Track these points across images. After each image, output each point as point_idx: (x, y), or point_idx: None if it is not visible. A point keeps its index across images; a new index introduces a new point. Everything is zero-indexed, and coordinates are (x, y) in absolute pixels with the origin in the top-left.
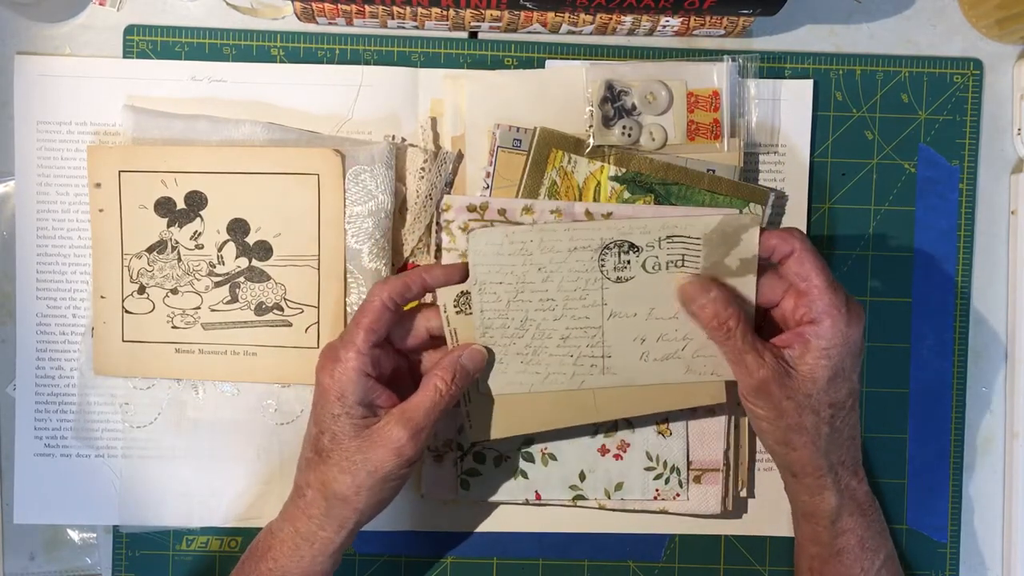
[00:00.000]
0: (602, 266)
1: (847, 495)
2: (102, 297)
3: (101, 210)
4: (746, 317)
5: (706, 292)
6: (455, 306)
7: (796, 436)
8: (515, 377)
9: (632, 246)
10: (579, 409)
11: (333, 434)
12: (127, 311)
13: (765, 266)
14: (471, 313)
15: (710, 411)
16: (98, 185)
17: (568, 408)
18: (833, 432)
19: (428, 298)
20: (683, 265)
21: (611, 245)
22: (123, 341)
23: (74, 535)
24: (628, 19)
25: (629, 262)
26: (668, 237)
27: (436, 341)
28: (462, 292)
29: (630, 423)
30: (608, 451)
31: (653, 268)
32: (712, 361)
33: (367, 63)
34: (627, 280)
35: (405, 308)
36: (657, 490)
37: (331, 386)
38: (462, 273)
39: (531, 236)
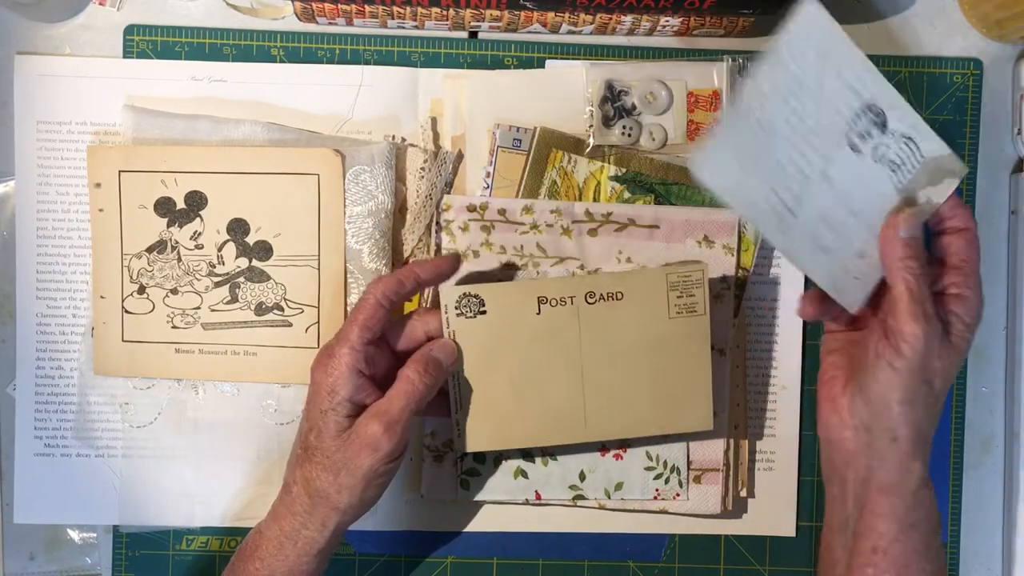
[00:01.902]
0: (854, 123)
1: (927, 468)
2: (102, 297)
3: (101, 210)
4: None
5: (914, 228)
6: (456, 308)
7: (923, 396)
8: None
9: (880, 122)
10: (568, 427)
11: (319, 431)
12: (127, 311)
13: None
14: (472, 316)
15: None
16: (98, 185)
17: (558, 425)
18: (939, 405)
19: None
20: (897, 172)
21: (871, 110)
22: (123, 341)
23: (74, 535)
24: (628, 19)
25: (868, 137)
26: (908, 137)
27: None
28: (464, 294)
29: None
30: (608, 451)
31: (878, 157)
32: (849, 277)
33: (367, 63)
34: (857, 151)
35: (405, 311)
36: (657, 490)
37: (323, 381)
38: (452, 265)
39: (845, 45)
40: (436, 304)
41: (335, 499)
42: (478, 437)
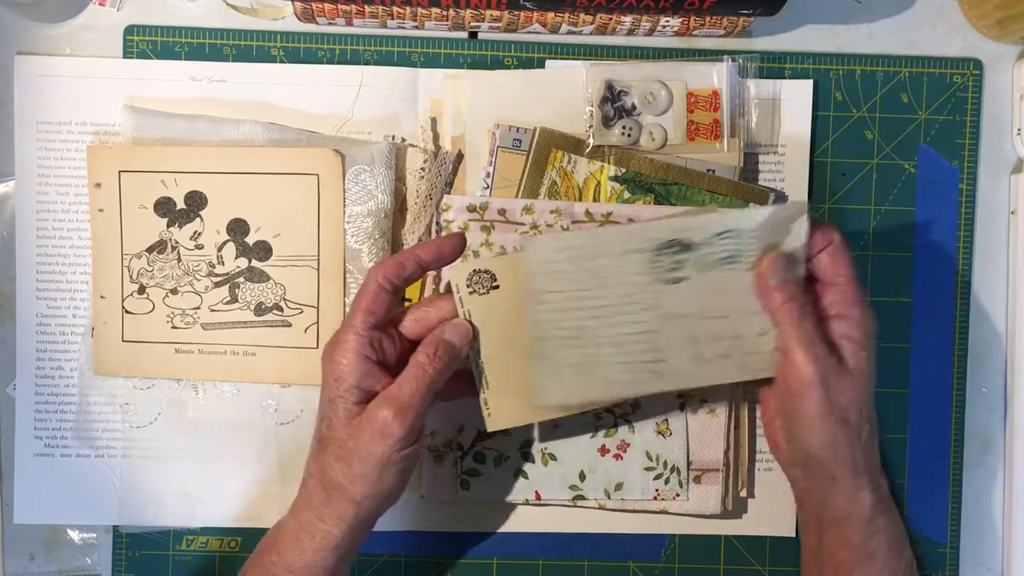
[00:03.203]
0: (655, 268)
1: (879, 493)
2: (102, 297)
3: (101, 210)
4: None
5: (788, 270)
6: (468, 286)
7: (842, 434)
8: (571, 387)
9: (686, 245)
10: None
11: (330, 420)
12: (127, 311)
13: None
14: (484, 293)
15: (710, 411)
16: (98, 185)
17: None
18: (870, 432)
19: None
20: (738, 261)
21: (665, 246)
22: (123, 341)
23: (74, 535)
24: (628, 19)
25: (682, 262)
26: (722, 233)
27: None
28: (475, 271)
29: (630, 423)
30: (608, 451)
31: (706, 266)
32: (763, 359)
33: (367, 63)
34: (680, 281)
35: (418, 297)
36: (657, 490)
37: (330, 369)
38: (455, 244)
39: (585, 241)
40: (448, 289)
41: (350, 490)
42: (507, 414)
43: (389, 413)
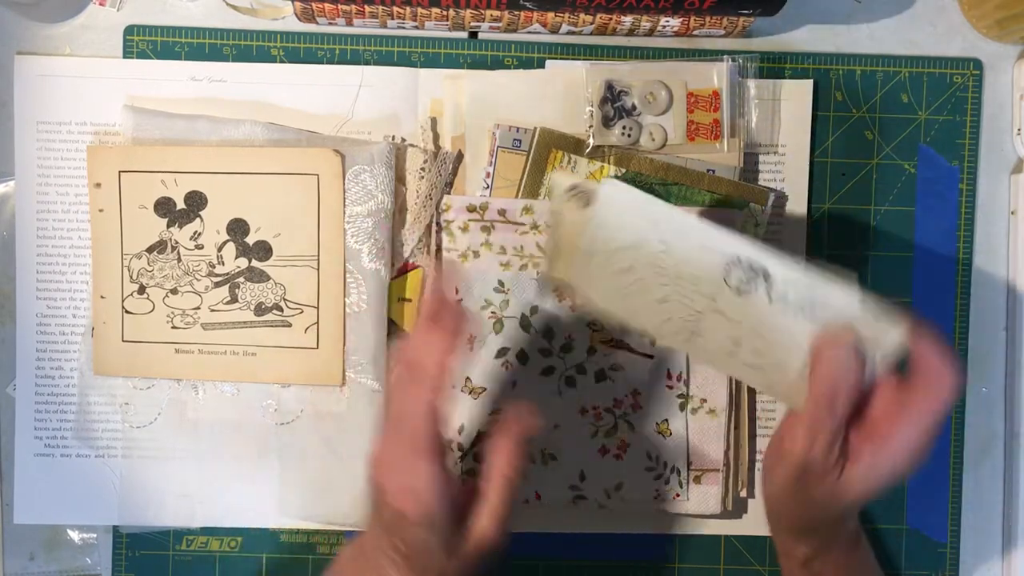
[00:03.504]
0: (726, 274)
1: (824, 545)
2: (102, 297)
3: (101, 210)
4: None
5: (857, 362)
6: (569, 191)
7: (797, 511)
8: (610, 298)
9: (765, 275)
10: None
11: (422, 553)
12: (127, 311)
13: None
14: (582, 206)
15: (710, 411)
16: (98, 185)
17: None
18: (827, 515)
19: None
20: (810, 316)
21: (742, 262)
22: (123, 341)
23: (74, 535)
24: (628, 19)
25: (753, 282)
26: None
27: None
28: (575, 186)
29: (630, 423)
30: (608, 451)
31: (775, 300)
32: (792, 389)
33: (367, 63)
34: (745, 294)
35: (404, 317)
36: (657, 490)
37: (412, 511)
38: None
39: (668, 213)
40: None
41: None
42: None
43: (497, 532)
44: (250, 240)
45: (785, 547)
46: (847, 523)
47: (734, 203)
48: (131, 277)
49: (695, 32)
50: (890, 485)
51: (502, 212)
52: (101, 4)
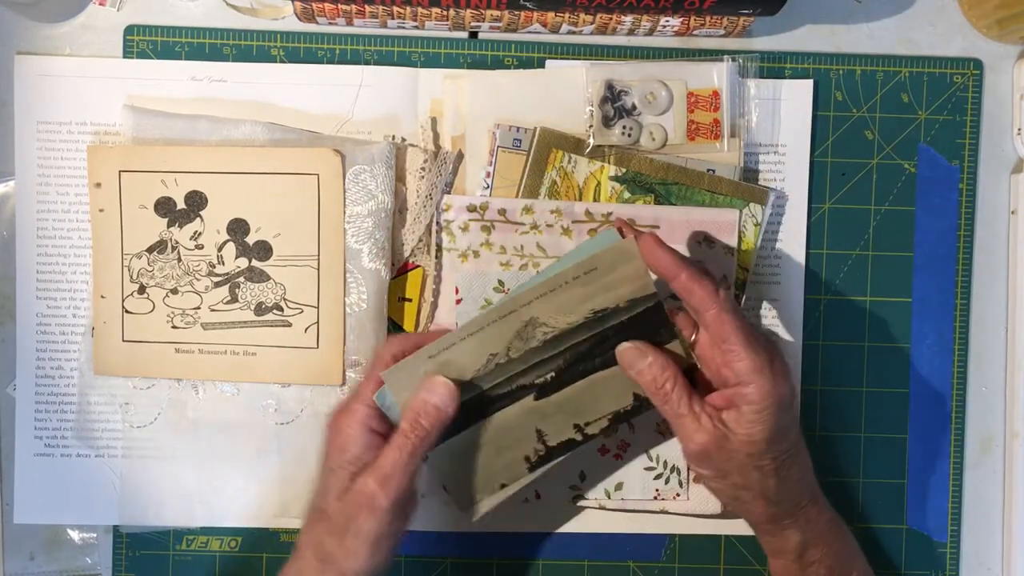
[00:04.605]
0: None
1: (809, 529)
2: (102, 297)
3: (101, 210)
4: (683, 379)
5: (643, 357)
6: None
7: (744, 493)
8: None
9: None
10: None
11: (324, 491)
12: (127, 311)
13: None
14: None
15: None
16: (98, 185)
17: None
18: (781, 481)
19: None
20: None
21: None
22: (123, 341)
23: (74, 535)
24: (628, 19)
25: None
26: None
27: None
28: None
29: (630, 423)
30: (608, 451)
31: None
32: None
33: (367, 63)
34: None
35: (406, 318)
36: (657, 490)
37: (335, 437)
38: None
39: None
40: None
41: (343, 565)
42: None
43: (374, 485)
44: (250, 240)
45: (777, 544)
46: (799, 484)
47: (734, 203)
48: (131, 277)
49: (695, 32)
50: (768, 397)
51: (502, 212)
52: (101, 4)
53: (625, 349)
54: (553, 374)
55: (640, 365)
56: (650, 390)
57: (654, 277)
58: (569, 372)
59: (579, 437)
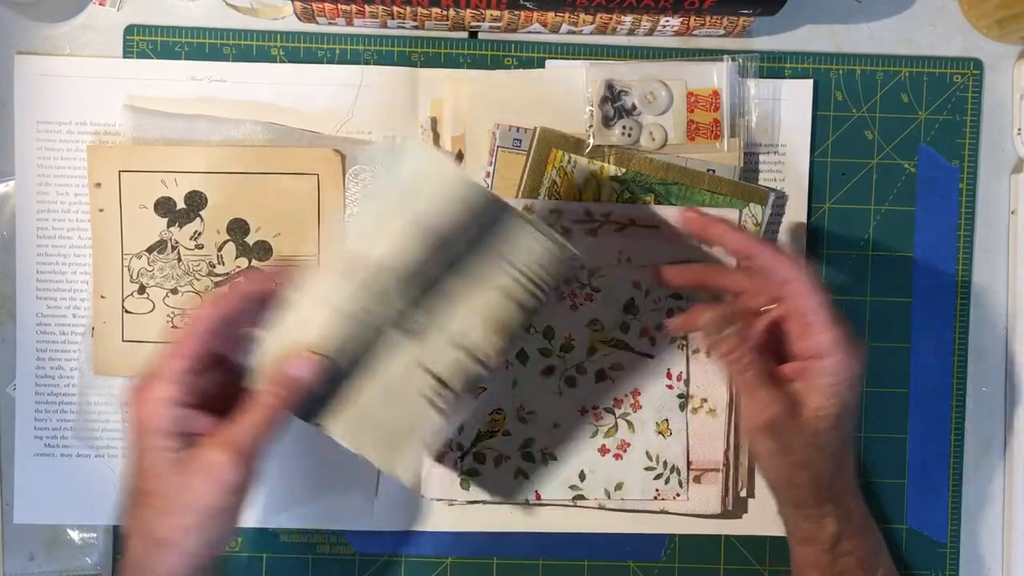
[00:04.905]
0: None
1: (846, 521)
2: (102, 297)
3: (101, 210)
4: (758, 351)
5: (725, 325)
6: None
7: (801, 474)
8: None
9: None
10: None
11: (145, 471)
12: (127, 311)
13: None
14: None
15: (710, 411)
16: (98, 185)
17: None
18: (837, 466)
19: None
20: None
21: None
22: (123, 341)
23: (74, 535)
24: (628, 19)
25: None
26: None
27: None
28: None
29: (630, 423)
30: (608, 451)
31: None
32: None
33: (367, 63)
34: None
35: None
36: (657, 490)
37: (134, 417)
38: (267, 283)
39: None
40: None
41: (180, 545)
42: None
43: (224, 457)
44: (250, 240)
45: (812, 531)
46: (849, 473)
47: (734, 203)
48: (131, 277)
49: (695, 32)
50: (845, 371)
51: None
52: (101, 4)
53: (708, 316)
54: (412, 305)
55: (721, 333)
56: (727, 359)
57: (488, 177)
58: (426, 299)
59: (464, 356)
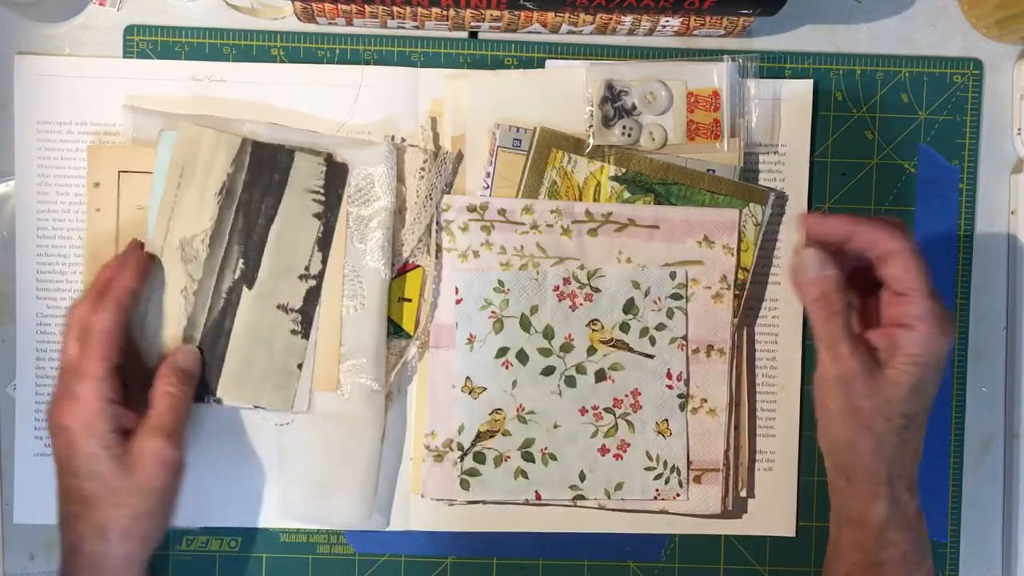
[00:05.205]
0: None
1: (898, 508)
2: None
3: (98, 210)
4: (848, 304)
5: (823, 268)
6: None
7: (863, 438)
8: None
9: None
10: None
11: (94, 475)
12: None
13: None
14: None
15: (710, 411)
16: (97, 185)
17: None
18: (900, 443)
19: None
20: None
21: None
22: None
23: None
24: (628, 19)
25: None
26: None
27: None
28: None
29: (630, 423)
30: (608, 451)
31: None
32: None
33: (367, 63)
34: None
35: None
36: (657, 490)
37: (75, 426)
38: (138, 257)
39: None
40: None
41: (136, 531)
42: None
43: (161, 441)
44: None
45: (861, 511)
46: (911, 459)
47: (734, 203)
48: None
49: (695, 32)
50: (930, 345)
51: (502, 212)
52: (101, 4)
53: (807, 252)
54: (241, 261)
55: (816, 274)
56: (816, 305)
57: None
58: (251, 250)
59: (298, 278)
